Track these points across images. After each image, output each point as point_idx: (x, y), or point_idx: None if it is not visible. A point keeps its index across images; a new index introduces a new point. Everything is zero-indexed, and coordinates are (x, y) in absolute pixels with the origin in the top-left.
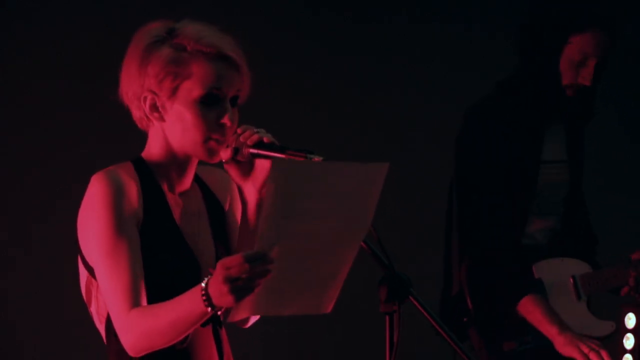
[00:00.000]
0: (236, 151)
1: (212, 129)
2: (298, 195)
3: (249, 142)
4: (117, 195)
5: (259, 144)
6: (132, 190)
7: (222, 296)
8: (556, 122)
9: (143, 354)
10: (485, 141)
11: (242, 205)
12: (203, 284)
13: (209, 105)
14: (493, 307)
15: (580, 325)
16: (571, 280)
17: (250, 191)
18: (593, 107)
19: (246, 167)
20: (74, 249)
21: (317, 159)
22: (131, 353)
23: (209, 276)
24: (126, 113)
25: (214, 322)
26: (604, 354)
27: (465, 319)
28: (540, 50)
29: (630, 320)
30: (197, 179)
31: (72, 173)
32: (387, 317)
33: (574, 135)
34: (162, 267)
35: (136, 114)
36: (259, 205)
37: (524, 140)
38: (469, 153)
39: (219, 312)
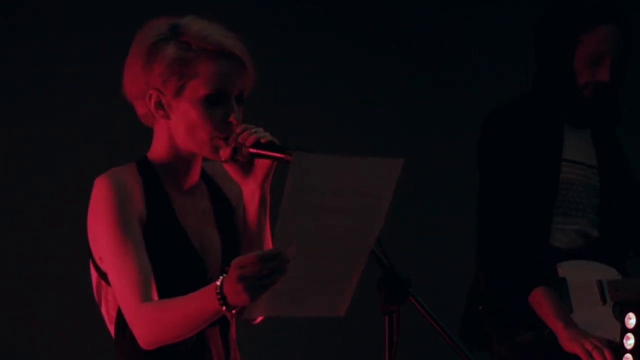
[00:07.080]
0: (235, 151)
1: (218, 128)
2: (315, 191)
3: (247, 143)
4: (119, 196)
5: (258, 144)
6: (135, 191)
7: (236, 295)
8: (582, 125)
9: (154, 346)
10: (500, 136)
11: (245, 203)
12: (218, 283)
13: (215, 103)
14: (507, 298)
15: (601, 327)
16: (596, 283)
17: (252, 187)
18: (617, 110)
19: (246, 165)
20: (86, 252)
21: None
22: (142, 344)
23: (224, 275)
24: (134, 113)
25: (222, 323)
26: (607, 352)
27: (480, 307)
28: (553, 52)
29: (630, 320)
30: (204, 175)
31: (80, 175)
32: (387, 318)
33: (603, 141)
34: (166, 267)
35: (140, 111)
36: (261, 201)
37: (542, 138)
38: (484, 147)
39: (233, 312)
